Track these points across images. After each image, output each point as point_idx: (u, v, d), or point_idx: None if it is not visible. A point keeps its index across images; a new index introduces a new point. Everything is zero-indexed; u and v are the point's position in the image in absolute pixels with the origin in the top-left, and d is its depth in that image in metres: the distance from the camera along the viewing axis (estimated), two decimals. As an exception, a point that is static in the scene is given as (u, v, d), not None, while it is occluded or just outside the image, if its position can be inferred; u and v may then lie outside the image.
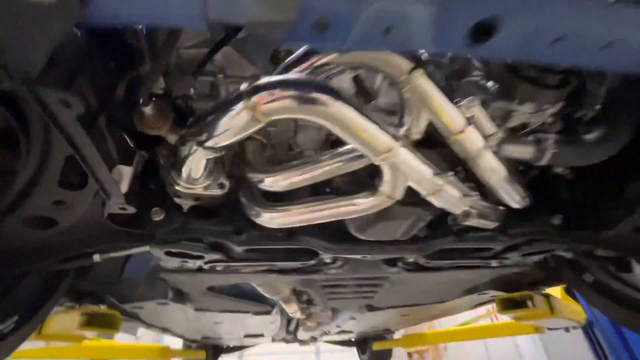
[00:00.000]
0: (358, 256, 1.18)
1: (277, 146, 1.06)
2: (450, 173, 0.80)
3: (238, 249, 1.07)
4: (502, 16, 0.37)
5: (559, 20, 0.39)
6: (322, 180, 0.88)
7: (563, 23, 0.40)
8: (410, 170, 0.75)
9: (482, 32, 0.39)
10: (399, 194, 0.83)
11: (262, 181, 0.91)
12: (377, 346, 4.37)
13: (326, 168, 0.84)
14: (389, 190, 0.82)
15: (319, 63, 0.66)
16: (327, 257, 1.22)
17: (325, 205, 0.91)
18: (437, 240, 1.18)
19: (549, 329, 3.00)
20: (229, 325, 2.72)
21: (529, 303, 1.93)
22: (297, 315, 2.36)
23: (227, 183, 0.92)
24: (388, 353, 4.70)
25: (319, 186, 1.05)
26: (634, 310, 1.41)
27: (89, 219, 0.93)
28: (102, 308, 1.68)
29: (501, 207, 1.06)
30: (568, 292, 2.60)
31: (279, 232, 1.07)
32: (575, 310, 2.47)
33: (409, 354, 9.11)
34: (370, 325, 3.46)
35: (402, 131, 0.77)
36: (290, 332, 3.65)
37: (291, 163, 0.89)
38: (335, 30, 0.37)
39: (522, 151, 0.91)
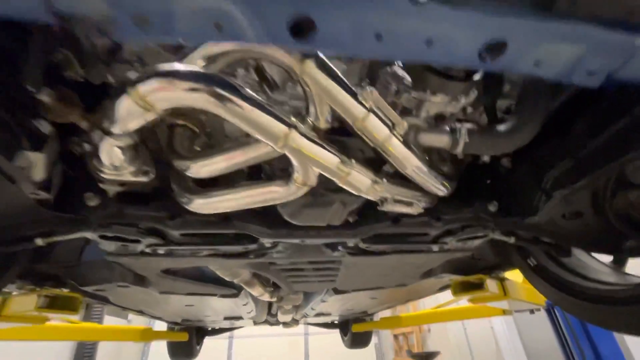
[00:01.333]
0: (296, 240, 1.22)
1: (213, 134, 1.09)
2: (354, 161, 0.83)
3: (174, 233, 1.11)
4: (313, 13, 0.39)
5: (371, 18, 0.41)
6: (243, 166, 0.91)
7: (376, 21, 0.42)
8: (313, 157, 0.79)
9: (302, 28, 0.41)
10: (312, 181, 0.87)
11: (188, 168, 0.94)
12: (356, 328, 4.52)
13: (243, 156, 0.87)
14: (302, 177, 0.85)
15: (214, 52, 0.68)
16: (267, 242, 1.26)
17: (247, 192, 0.94)
18: (373, 225, 1.23)
19: (516, 311, 3.12)
20: (201, 308, 2.79)
21: (483, 286, 2.01)
22: (266, 298, 2.43)
23: (151, 170, 0.95)
24: (368, 335, 4.86)
25: (255, 172, 1.09)
26: (569, 294, 1.48)
27: (23, 203, 0.96)
28: (64, 291, 1.73)
29: (431, 194, 1.10)
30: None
31: (214, 217, 1.11)
32: (535, 293, 2.56)
33: (395, 336, 9.40)
34: (345, 308, 3.57)
35: (309, 120, 0.80)
36: (273, 314, 3.76)
37: (213, 150, 0.92)
38: (156, 24, 0.39)
39: (438, 140, 0.94)
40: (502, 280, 2.12)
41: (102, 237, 1.06)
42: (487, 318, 4.65)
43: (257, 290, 2.17)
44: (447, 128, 0.94)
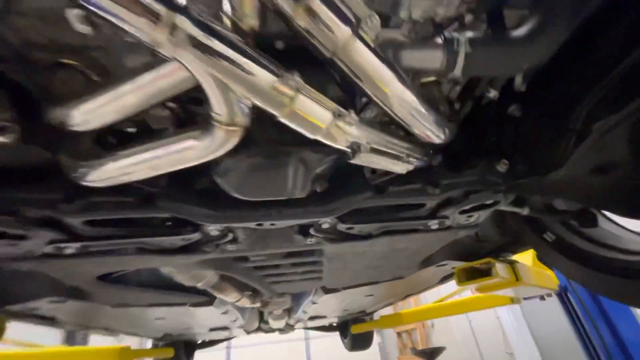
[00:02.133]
0: (251, 224, 0.92)
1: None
2: (300, 79, 0.53)
3: (74, 222, 0.80)
4: None
5: None
6: (142, 108, 0.61)
7: None
8: (232, 71, 0.49)
9: None
10: (243, 118, 0.57)
11: (67, 117, 0.63)
12: (355, 329, 4.22)
13: (135, 89, 0.57)
14: (226, 112, 0.55)
15: None
16: (213, 229, 0.96)
17: (155, 150, 0.64)
18: (350, 197, 0.93)
19: (525, 298, 2.86)
20: (175, 320, 2.47)
21: (492, 272, 1.72)
22: (246, 304, 2.13)
23: (12, 126, 0.64)
24: (369, 335, 4.56)
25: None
26: (597, 270, 1.22)
27: None
28: (-17, 312, 1.40)
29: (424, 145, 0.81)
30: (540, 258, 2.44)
31: (130, 197, 0.81)
32: (546, 276, 2.30)
33: (398, 334, 9.12)
34: (340, 308, 3.27)
35: (226, 16, 0.50)
36: (265, 321, 3.45)
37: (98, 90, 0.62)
38: None
39: (428, 58, 0.65)
40: (512, 264, 1.84)
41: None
42: (493, 308, 4.41)
43: (232, 296, 1.86)
44: (440, 40, 0.65)
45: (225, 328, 3.33)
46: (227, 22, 0.52)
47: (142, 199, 0.81)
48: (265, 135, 0.70)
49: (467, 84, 0.87)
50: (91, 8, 0.43)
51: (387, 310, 4.75)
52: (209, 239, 1.01)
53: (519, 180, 1.00)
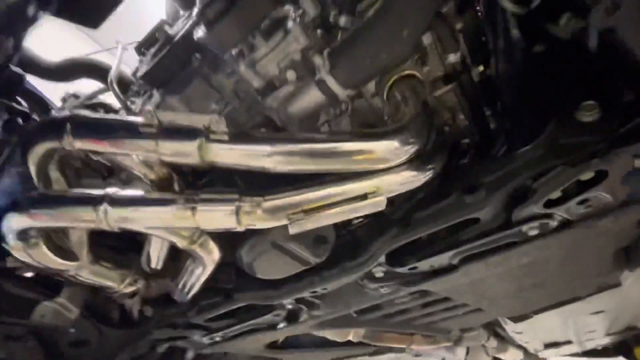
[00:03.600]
0: (306, 294, 0.98)
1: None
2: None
3: (199, 321, 1.14)
4: None
5: None
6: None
7: None
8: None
9: None
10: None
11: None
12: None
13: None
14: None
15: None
16: (286, 303, 1.08)
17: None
18: (374, 243, 0.84)
19: None
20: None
21: None
22: (423, 345, 1.99)
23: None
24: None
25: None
26: None
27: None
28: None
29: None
30: None
31: (218, 297, 1.07)
32: None
33: None
34: (577, 331, 2.42)
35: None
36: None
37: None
38: None
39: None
40: None
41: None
42: None
43: (395, 342, 1.81)
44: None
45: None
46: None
47: (224, 297, 1.06)
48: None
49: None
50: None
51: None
52: (294, 311, 1.13)
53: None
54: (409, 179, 0.68)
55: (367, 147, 0.62)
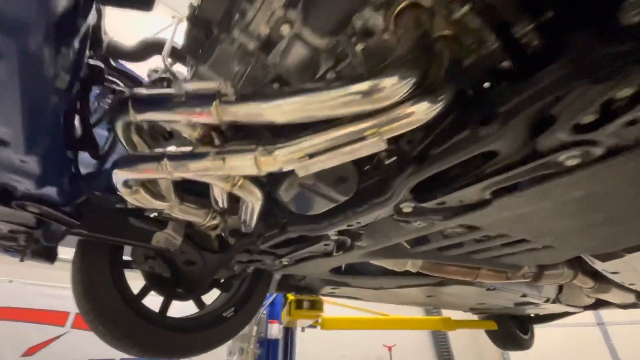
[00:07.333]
0: (342, 227, 1.10)
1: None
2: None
3: (266, 248, 1.40)
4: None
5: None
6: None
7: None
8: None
9: None
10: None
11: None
12: None
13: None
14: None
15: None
16: (333, 235, 1.23)
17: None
18: (395, 179, 0.88)
19: None
20: (447, 297, 2.66)
21: None
22: (492, 280, 1.96)
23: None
24: None
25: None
26: None
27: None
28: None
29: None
30: None
31: (274, 230, 1.29)
32: None
33: None
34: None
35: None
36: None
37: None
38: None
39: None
40: None
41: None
42: None
43: (455, 275, 1.84)
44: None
45: (527, 303, 3.04)
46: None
47: (281, 229, 1.27)
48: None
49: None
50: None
51: None
52: (340, 241, 1.27)
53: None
54: (412, 115, 0.69)
55: (362, 88, 0.65)
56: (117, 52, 1.35)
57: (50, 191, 1.02)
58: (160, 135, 1.00)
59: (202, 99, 0.71)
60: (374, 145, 0.68)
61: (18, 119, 0.59)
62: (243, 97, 0.68)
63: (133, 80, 1.52)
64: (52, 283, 4.00)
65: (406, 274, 2.00)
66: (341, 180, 0.90)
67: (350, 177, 0.90)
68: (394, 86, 0.64)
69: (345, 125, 0.69)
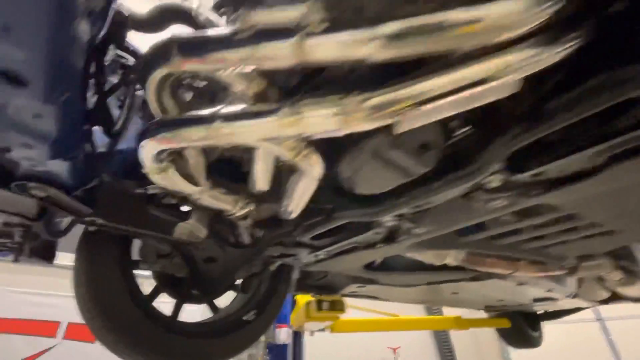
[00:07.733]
0: (405, 210, 0.95)
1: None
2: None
3: (305, 240, 1.23)
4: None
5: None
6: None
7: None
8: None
9: None
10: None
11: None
12: None
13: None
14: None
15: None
16: (388, 220, 1.07)
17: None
18: (494, 144, 0.73)
19: None
20: (472, 294, 2.54)
21: None
22: (531, 273, 1.84)
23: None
24: None
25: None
26: None
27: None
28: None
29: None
30: None
31: (318, 217, 1.13)
32: None
33: None
34: None
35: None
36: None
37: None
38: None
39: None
40: None
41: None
42: None
43: (496, 268, 1.71)
44: None
45: (548, 299, 2.94)
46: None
47: (326, 217, 1.11)
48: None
49: None
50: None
51: None
52: (394, 228, 1.12)
53: None
54: (540, 54, 0.54)
55: (481, 14, 0.50)
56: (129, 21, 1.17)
57: (60, 169, 0.83)
58: (200, 96, 0.83)
59: (278, 34, 0.55)
60: (504, 88, 0.54)
61: (42, 42, 0.42)
62: (336, 25, 0.52)
63: (136, 55, 1.34)
64: (41, 290, 3.71)
65: (441, 268, 1.86)
66: (425, 147, 0.75)
67: (436, 143, 0.75)
68: (528, 11, 0.50)
69: (462, 65, 0.54)
